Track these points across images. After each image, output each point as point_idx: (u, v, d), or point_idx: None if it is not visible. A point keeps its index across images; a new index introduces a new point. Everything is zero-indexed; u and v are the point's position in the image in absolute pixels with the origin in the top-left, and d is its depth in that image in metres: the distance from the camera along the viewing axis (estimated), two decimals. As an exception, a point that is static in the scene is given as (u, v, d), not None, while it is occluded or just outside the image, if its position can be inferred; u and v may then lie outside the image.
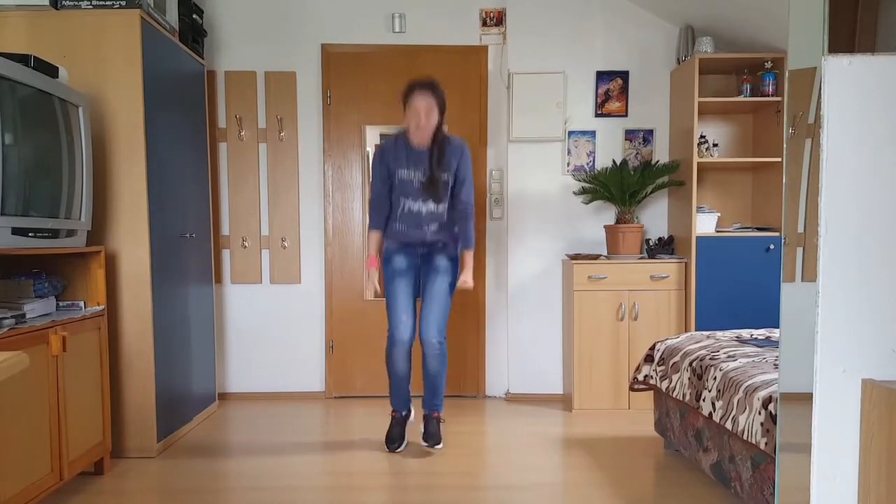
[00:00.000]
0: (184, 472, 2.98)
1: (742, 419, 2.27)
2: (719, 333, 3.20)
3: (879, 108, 1.32)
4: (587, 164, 4.20)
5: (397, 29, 4.17)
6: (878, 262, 1.33)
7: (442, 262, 3.20)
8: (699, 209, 3.89)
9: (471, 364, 4.30)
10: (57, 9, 3.01)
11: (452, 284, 3.22)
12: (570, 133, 4.20)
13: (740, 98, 3.89)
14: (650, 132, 4.22)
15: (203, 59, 3.85)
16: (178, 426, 3.44)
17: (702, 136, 3.97)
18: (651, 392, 3.38)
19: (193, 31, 3.70)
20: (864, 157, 1.32)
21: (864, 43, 1.41)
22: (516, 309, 4.24)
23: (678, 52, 4.07)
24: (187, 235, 3.55)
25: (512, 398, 4.26)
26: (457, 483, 2.85)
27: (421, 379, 3.25)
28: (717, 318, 3.77)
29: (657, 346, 3.21)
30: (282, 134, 4.21)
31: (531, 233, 4.22)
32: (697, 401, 2.67)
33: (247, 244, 4.23)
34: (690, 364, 2.82)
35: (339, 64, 4.22)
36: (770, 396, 2.15)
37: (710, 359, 2.72)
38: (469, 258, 3.22)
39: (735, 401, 2.35)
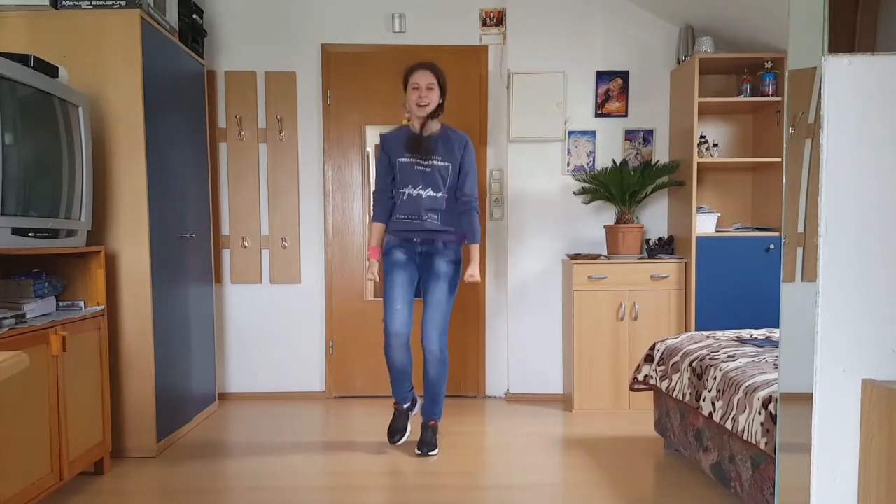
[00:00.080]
0: (184, 472, 2.98)
1: (742, 419, 2.27)
2: (719, 333, 3.20)
3: (879, 108, 1.32)
4: (587, 164, 4.20)
5: (397, 29, 4.17)
6: (878, 262, 1.33)
7: (442, 266, 3.18)
8: (699, 209, 3.89)
9: (471, 364, 4.30)
10: (57, 9, 3.01)
11: (453, 290, 3.22)
12: (570, 133, 4.20)
13: (740, 98, 3.89)
14: (650, 132, 4.22)
15: (203, 58, 3.85)
16: (178, 426, 3.44)
17: (702, 136, 3.97)
18: (651, 392, 3.38)
19: (193, 31, 3.70)
20: (864, 157, 1.32)
21: (864, 43, 1.41)
22: (516, 309, 4.24)
23: (678, 52, 4.07)
24: (187, 235, 3.55)
25: (512, 398, 4.26)
26: (457, 483, 2.85)
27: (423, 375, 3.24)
28: (717, 318, 3.77)
29: (657, 346, 3.21)
30: (282, 134, 4.21)
31: (531, 233, 4.22)
32: (697, 401, 2.67)
33: (247, 244, 4.23)
34: (690, 364, 2.82)
35: (339, 64, 4.22)
36: (770, 396, 2.15)
37: (710, 359, 2.72)
38: (475, 252, 3.23)
39: (735, 401, 2.35)
